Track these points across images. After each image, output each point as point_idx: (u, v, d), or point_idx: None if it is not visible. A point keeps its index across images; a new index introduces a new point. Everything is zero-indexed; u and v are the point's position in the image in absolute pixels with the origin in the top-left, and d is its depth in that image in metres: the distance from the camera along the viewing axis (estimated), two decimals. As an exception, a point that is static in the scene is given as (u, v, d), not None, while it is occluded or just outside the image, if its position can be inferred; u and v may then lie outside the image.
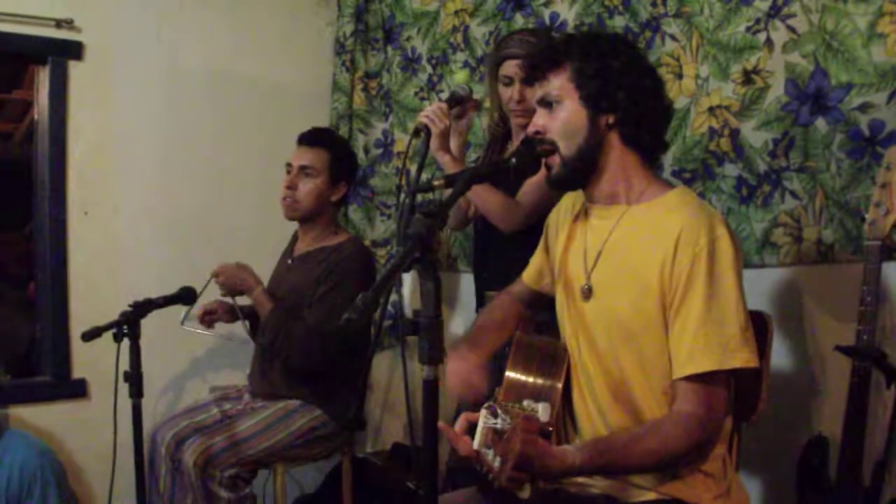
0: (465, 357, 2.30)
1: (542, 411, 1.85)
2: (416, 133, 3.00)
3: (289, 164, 3.71)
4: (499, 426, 1.79)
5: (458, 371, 2.27)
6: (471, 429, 1.94)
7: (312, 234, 3.79)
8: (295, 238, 3.93)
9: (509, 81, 3.11)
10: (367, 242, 4.74)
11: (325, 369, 3.54)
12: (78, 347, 4.04)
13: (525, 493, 1.79)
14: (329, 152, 3.68)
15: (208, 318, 3.80)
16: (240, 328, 3.81)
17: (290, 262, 3.86)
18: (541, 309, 2.57)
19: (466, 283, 3.55)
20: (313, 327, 3.47)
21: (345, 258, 3.62)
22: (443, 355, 1.72)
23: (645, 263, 2.08)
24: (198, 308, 3.74)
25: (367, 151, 4.81)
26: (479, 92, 3.73)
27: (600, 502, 2.15)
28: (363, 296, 1.56)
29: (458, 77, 3.20)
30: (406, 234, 1.74)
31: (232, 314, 3.81)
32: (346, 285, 3.54)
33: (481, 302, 3.34)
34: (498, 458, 1.73)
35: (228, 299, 3.73)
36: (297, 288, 3.65)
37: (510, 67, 3.09)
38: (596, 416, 2.18)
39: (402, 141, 4.60)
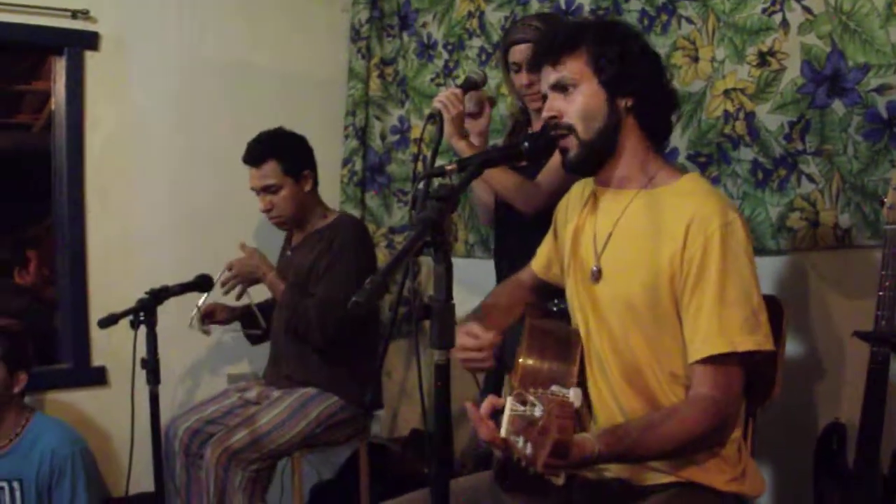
0: (472, 325, 2.28)
1: (574, 396, 1.84)
2: (431, 119, 2.99)
3: (252, 189, 3.71)
4: (528, 413, 1.78)
5: (464, 330, 2.25)
6: (494, 414, 1.94)
7: (304, 224, 3.81)
8: (290, 232, 3.95)
9: (518, 68, 3.11)
10: (384, 230, 4.75)
11: (344, 343, 3.55)
12: (97, 335, 4.07)
13: (560, 480, 1.79)
14: (275, 159, 3.64)
15: (209, 321, 3.82)
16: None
17: (288, 253, 3.89)
18: (551, 296, 2.57)
19: (485, 270, 3.53)
20: (324, 301, 3.48)
21: (339, 233, 3.65)
22: (454, 339, 1.71)
23: (656, 247, 2.07)
24: (203, 307, 3.76)
25: (383, 138, 4.81)
26: (494, 78, 3.72)
27: (615, 486, 2.14)
28: (371, 279, 1.56)
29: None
30: (416, 218, 1.74)
31: (230, 315, 3.87)
32: (345, 257, 3.57)
33: None
34: (529, 445, 1.71)
35: (244, 300, 3.77)
36: (302, 272, 3.67)
37: (517, 53, 3.09)
38: (610, 401, 2.17)
39: (418, 127, 4.61)
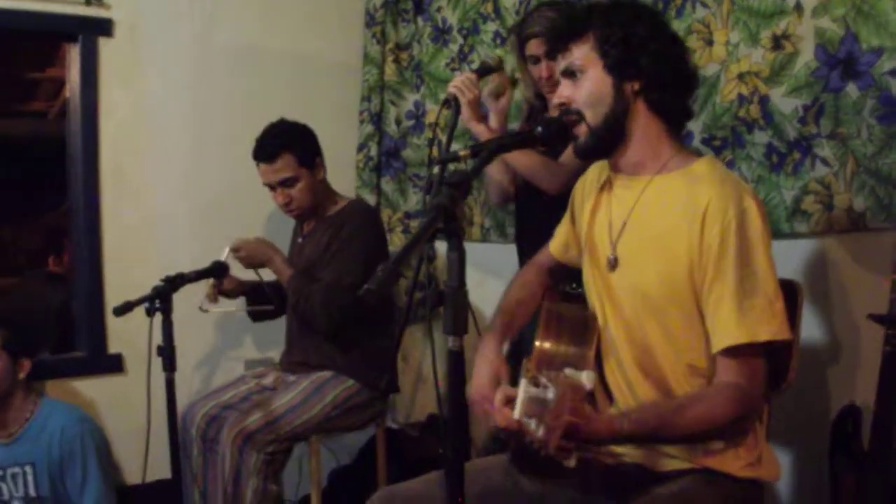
0: (490, 360, 2.25)
1: (587, 379, 1.84)
2: (446, 104, 3.00)
3: (267, 185, 3.69)
4: (542, 396, 1.78)
5: (484, 379, 2.20)
6: (511, 402, 1.94)
7: (317, 211, 3.80)
8: (300, 221, 3.95)
9: (536, 60, 3.11)
10: (399, 214, 4.76)
11: (350, 329, 3.57)
12: (113, 323, 4.10)
13: (572, 462, 1.78)
14: (289, 152, 3.62)
15: (214, 292, 3.77)
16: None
17: (300, 240, 3.90)
18: (567, 278, 2.57)
19: (501, 254, 3.54)
20: (330, 285, 3.49)
21: (349, 218, 3.66)
22: (467, 325, 1.71)
23: (672, 234, 2.07)
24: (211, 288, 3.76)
25: (398, 123, 4.81)
26: (510, 61, 3.72)
27: (632, 472, 2.15)
28: (382, 266, 1.56)
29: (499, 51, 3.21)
30: (429, 205, 1.74)
31: (238, 287, 3.87)
32: (354, 242, 3.58)
33: None
34: (542, 428, 1.72)
35: (252, 276, 3.77)
36: (313, 258, 3.68)
37: (534, 46, 3.10)
38: (624, 388, 2.18)
39: (433, 112, 4.61)
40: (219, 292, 3.79)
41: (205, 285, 3.62)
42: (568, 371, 1.89)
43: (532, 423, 1.75)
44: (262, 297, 3.89)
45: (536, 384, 1.80)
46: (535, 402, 1.78)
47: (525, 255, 3.31)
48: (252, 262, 3.66)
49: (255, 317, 4.04)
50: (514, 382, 2.14)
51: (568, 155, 2.92)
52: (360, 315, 3.54)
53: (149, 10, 4.30)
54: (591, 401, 2.21)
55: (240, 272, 3.78)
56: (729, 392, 1.98)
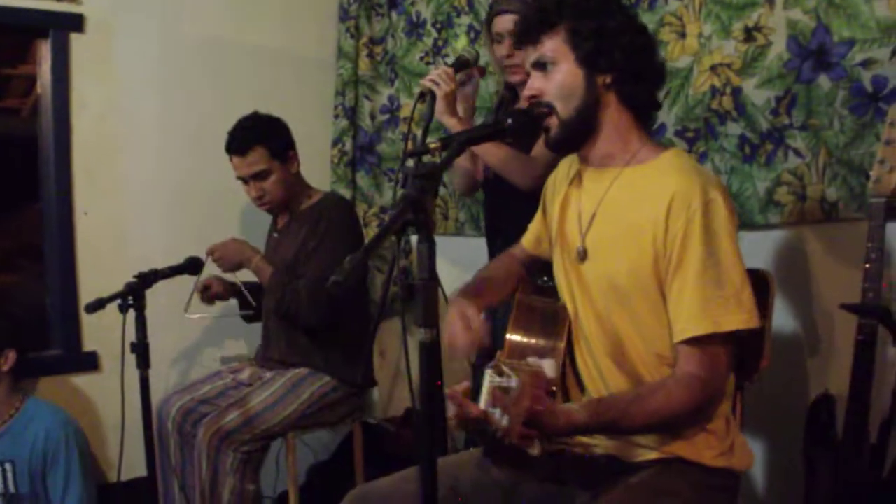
0: (463, 302, 2.26)
1: (548, 367, 1.85)
2: (421, 97, 2.99)
3: (240, 178, 3.69)
4: (505, 385, 1.78)
5: (457, 313, 2.22)
6: (476, 395, 1.94)
7: (291, 205, 3.80)
8: (276, 215, 3.93)
9: (500, 38, 3.10)
10: (375, 209, 4.76)
11: (335, 323, 3.56)
12: (89, 320, 4.06)
13: (535, 450, 1.78)
14: (261, 145, 3.61)
15: (206, 296, 3.79)
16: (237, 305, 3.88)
17: (275, 235, 3.89)
18: (539, 272, 2.57)
19: (475, 248, 3.54)
20: (315, 280, 3.47)
21: (325, 212, 3.65)
22: (438, 318, 1.71)
23: (639, 225, 2.07)
24: (196, 290, 3.75)
25: (373, 117, 4.81)
26: (485, 55, 3.72)
27: (603, 462, 2.16)
28: (351, 257, 1.56)
29: (460, 43, 3.18)
30: (398, 197, 1.74)
31: (231, 289, 3.85)
32: (333, 236, 3.57)
33: None
34: (506, 417, 1.72)
35: (230, 277, 3.76)
36: (290, 253, 3.67)
37: (499, 24, 3.09)
38: (596, 378, 2.19)
39: (407, 106, 4.61)
40: (212, 297, 3.79)
41: (181, 283, 3.58)
42: (531, 360, 1.90)
43: (497, 413, 1.75)
44: (245, 299, 3.88)
45: (500, 373, 1.81)
46: (497, 391, 1.78)
47: (496, 252, 3.28)
48: (230, 265, 3.64)
49: (248, 320, 4.02)
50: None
51: (539, 148, 2.90)
52: (346, 308, 3.54)
53: (120, 5, 4.27)
54: (563, 390, 2.22)
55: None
56: (687, 382, 1.98)
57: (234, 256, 3.62)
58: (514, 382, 1.75)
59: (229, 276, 3.76)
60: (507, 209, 3.17)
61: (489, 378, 1.82)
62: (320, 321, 3.52)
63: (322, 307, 3.47)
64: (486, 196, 3.42)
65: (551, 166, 2.70)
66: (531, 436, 1.74)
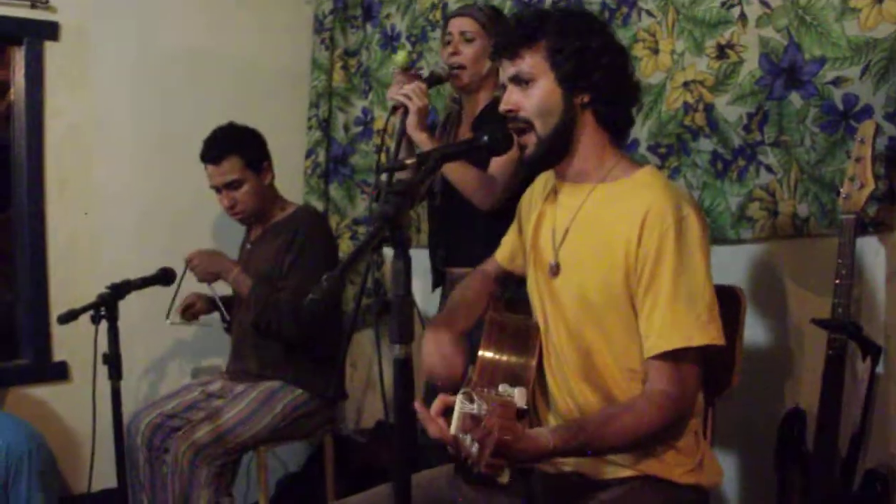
0: (440, 334, 2.28)
1: (519, 396, 1.85)
2: (394, 111, 2.99)
3: (213, 187, 3.69)
4: (475, 412, 1.79)
5: (435, 347, 2.25)
6: (446, 411, 1.95)
7: (265, 217, 3.80)
8: (249, 226, 3.93)
9: (450, 38, 3.11)
10: (347, 220, 4.76)
11: (316, 336, 3.57)
12: (59, 330, 4.02)
13: (504, 479, 1.80)
14: (235, 155, 3.62)
15: (190, 313, 3.81)
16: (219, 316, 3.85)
17: (248, 246, 3.88)
18: (511, 286, 2.57)
19: (419, 259, 3.53)
20: (296, 293, 3.47)
21: (300, 226, 3.65)
22: (412, 334, 1.71)
23: (612, 241, 2.07)
24: (179, 303, 3.74)
25: (346, 129, 4.81)
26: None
27: (573, 480, 2.16)
28: (328, 276, 1.56)
29: (398, 58, 3.14)
30: (375, 213, 1.74)
31: (210, 303, 3.83)
32: (311, 249, 3.59)
33: (441, 279, 3.33)
34: (476, 445, 1.73)
35: (207, 288, 3.75)
36: (264, 265, 3.66)
37: (452, 25, 3.11)
38: (566, 394, 2.19)
39: (381, 119, 4.58)
40: (193, 313, 3.79)
41: (153, 293, 3.55)
42: (502, 388, 1.91)
43: (467, 439, 1.76)
44: (221, 312, 3.85)
45: (471, 400, 1.81)
46: (468, 418, 1.79)
47: (443, 263, 3.28)
48: (208, 275, 3.64)
49: (228, 331, 4.00)
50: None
51: (499, 166, 2.90)
52: (322, 321, 3.54)
53: (96, 13, 4.25)
54: (532, 409, 2.22)
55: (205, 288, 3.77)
56: (658, 401, 1.99)
57: (212, 266, 3.63)
58: (483, 410, 1.76)
59: (207, 290, 3.75)
60: (456, 219, 3.16)
61: (460, 404, 1.83)
62: (302, 334, 3.52)
63: (304, 321, 3.46)
64: (432, 206, 3.39)
65: (509, 188, 2.73)
66: (499, 465, 1.75)
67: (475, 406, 1.79)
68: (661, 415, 1.98)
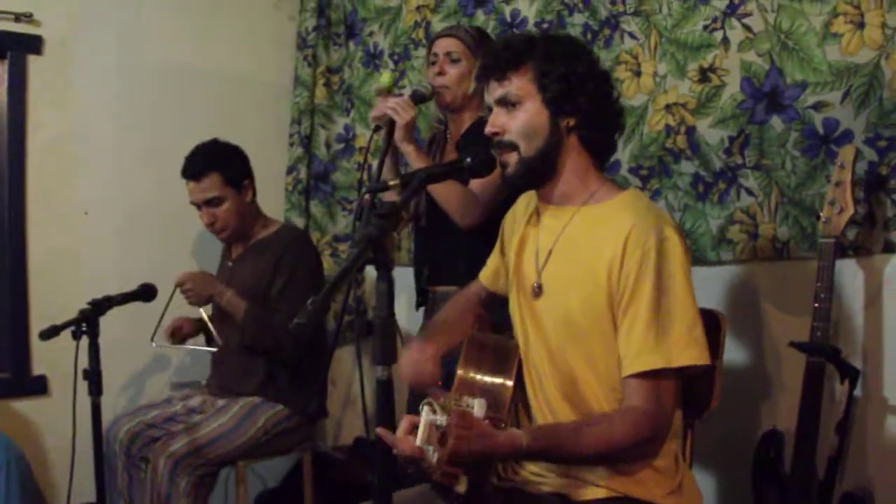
0: (419, 347, 2.32)
1: (478, 408, 1.87)
2: (377, 129, 3.00)
3: (193, 203, 3.69)
4: (438, 422, 1.80)
5: (412, 359, 2.30)
6: (415, 429, 1.96)
7: (246, 235, 3.80)
8: (228, 244, 3.93)
9: (436, 58, 3.12)
10: (328, 237, 4.75)
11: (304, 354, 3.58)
12: (38, 344, 3.97)
13: (461, 487, 1.82)
14: (216, 171, 3.62)
15: (177, 338, 3.80)
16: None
17: (230, 264, 3.87)
18: (497, 308, 2.57)
19: (403, 278, 3.54)
20: (293, 316, 3.43)
21: (288, 246, 3.67)
22: (396, 355, 1.72)
23: (594, 262, 2.09)
24: (166, 325, 3.74)
25: (328, 146, 4.80)
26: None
27: (553, 500, 2.16)
28: (312, 300, 1.57)
29: (383, 79, 3.15)
30: (358, 236, 1.75)
31: (199, 325, 3.82)
32: (302, 270, 3.61)
33: (424, 298, 3.32)
34: (436, 454, 1.75)
35: (198, 311, 3.73)
36: (247, 283, 3.66)
37: (437, 46, 3.12)
38: (547, 414, 2.19)
39: (363, 136, 4.60)
40: (182, 335, 3.79)
41: (133, 309, 3.53)
42: (464, 399, 1.92)
43: (430, 450, 1.77)
44: (210, 333, 3.84)
45: (434, 411, 1.83)
46: (432, 427, 1.80)
47: (427, 283, 3.28)
48: (200, 298, 3.61)
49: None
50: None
51: (483, 185, 2.87)
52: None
53: (79, 28, 4.24)
54: (516, 426, 2.22)
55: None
56: (633, 417, 2.00)
57: (206, 290, 3.60)
58: (444, 420, 1.77)
59: (196, 312, 3.74)
60: (440, 239, 3.16)
61: (424, 414, 1.84)
62: (299, 354, 3.54)
63: (303, 341, 3.48)
64: (417, 226, 3.38)
65: (491, 207, 2.74)
66: (455, 474, 1.76)
67: (437, 416, 1.81)
68: (635, 429, 1.98)
